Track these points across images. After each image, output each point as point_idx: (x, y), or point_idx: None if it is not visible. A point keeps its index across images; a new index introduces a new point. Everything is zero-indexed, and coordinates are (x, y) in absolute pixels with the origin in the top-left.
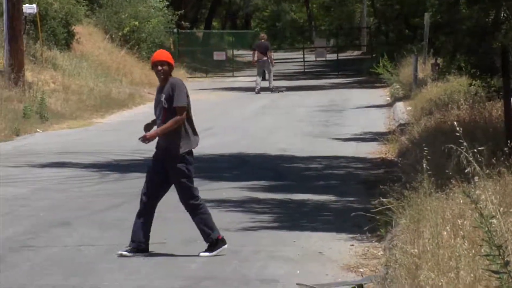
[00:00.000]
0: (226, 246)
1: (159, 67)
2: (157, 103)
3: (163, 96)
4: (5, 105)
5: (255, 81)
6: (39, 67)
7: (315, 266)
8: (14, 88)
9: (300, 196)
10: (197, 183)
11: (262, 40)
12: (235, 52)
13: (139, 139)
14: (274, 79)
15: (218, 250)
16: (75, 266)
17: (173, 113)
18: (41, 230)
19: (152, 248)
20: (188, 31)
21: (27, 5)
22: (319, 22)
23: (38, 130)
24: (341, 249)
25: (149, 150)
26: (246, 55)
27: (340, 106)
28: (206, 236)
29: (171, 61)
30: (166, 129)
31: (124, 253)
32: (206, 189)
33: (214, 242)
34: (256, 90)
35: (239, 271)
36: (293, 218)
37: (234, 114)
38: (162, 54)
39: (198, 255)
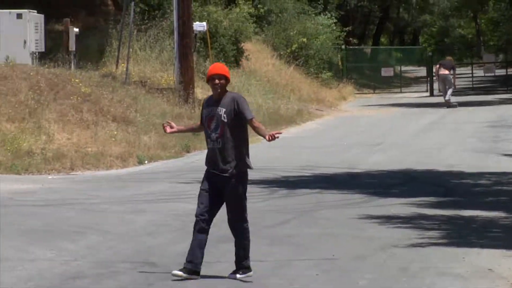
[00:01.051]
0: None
1: (217, 81)
2: (211, 116)
3: (222, 110)
4: (176, 122)
5: (444, 97)
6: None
7: (485, 283)
8: (184, 105)
9: (468, 213)
10: (366, 198)
11: (448, 59)
12: (403, 68)
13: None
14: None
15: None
16: (245, 282)
17: (232, 128)
18: (210, 245)
19: (322, 263)
20: (356, 47)
21: (197, 23)
22: (487, 37)
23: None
24: (511, 266)
25: (318, 166)
26: (413, 71)
27: (510, 122)
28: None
29: (228, 75)
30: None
31: (179, 273)
32: (374, 205)
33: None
34: (454, 103)
35: (408, 287)
36: (462, 235)
37: (402, 130)
38: (219, 68)
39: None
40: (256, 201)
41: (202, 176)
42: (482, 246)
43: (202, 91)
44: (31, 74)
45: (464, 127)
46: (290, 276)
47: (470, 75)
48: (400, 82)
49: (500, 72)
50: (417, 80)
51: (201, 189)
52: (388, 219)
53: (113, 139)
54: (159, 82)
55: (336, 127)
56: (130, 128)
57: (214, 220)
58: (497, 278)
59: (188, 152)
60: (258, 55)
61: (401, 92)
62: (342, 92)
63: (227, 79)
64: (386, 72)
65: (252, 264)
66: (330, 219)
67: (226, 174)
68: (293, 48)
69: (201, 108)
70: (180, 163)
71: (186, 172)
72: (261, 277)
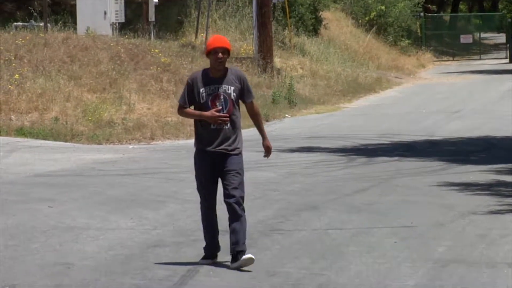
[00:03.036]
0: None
1: (220, 55)
2: (215, 94)
3: (231, 88)
4: (255, 91)
5: None
6: (287, 53)
7: None
8: (263, 74)
9: None
10: (444, 166)
11: None
12: (482, 35)
13: (267, 155)
14: None
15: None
16: (323, 249)
17: (236, 107)
18: (290, 214)
19: (401, 230)
20: (435, 14)
21: None
22: None
23: (286, 115)
24: None
25: (396, 134)
26: (493, 37)
27: None
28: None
29: (230, 48)
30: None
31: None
32: (453, 172)
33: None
34: None
35: (486, 254)
36: None
37: (481, 96)
38: (222, 40)
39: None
40: (335, 169)
41: (282, 144)
42: None
43: (281, 60)
44: (112, 44)
45: None
46: (368, 243)
47: None
48: (479, 49)
49: None
50: (496, 47)
51: (200, 172)
52: (467, 186)
53: None
54: (238, 51)
55: (415, 94)
56: None
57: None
58: None
59: (267, 120)
60: (337, 23)
61: (480, 59)
62: (421, 60)
63: (229, 53)
64: (465, 39)
65: (330, 231)
66: (409, 186)
67: (235, 152)
68: (371, 16)
69: (187, 86)
70: (252, 132)
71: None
72: (340, 245)
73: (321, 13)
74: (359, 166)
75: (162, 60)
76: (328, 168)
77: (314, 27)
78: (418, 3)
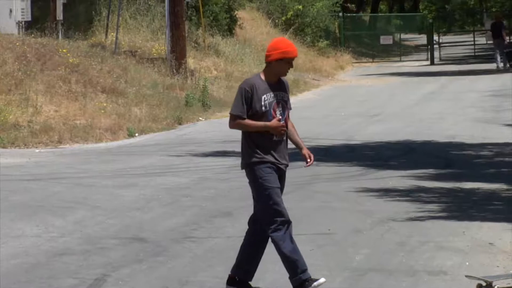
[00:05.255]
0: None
1: (292, 63)
2: (276, 102)
3: (286, 96)
4: (167, 93)
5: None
6: (201, 54)
7: (485, 258)
8: (176, 76)
9: (469, 185)
10: (363, 171)
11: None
12: (403, 36)
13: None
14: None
15: None
16: None
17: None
18: (203, 220)
19: (318, 238)
20: (354, 14)
21: None
22: (490, 4)
23: (200, 118)
24: None
25: (314, 138)
26: (413, 39)
27: None
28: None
29: None
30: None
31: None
32: (372, 178)
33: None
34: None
35: (406, 262)
36: (462, 208)
37: (401, 99)
38: (295, 48)
39: None
40: None
41: (195, 148)
42: (483, 219)
43: (194, 61)
44: (17, 44)
45: (466, 97)
46: None
47: (472, 43)
48: (400, 50)
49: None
50: (417, 49)
51: (274, 187)
52: (386, 192)
53: (102, 111)
54: (149, 51)
55: (333, 97)
56: (120, 100)
57: None
58: (498, 253)
59: (180, 124)
60: (252, 23)
61: (400, 60)
62: (340, 61)
63: None
64: (385, 40)
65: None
66: (327, 192)
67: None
68: (288, 16)
69: (245, 94)
70: (172, 136)
71: (177, 145)
72: None
73: (236, 12)
74: None
75: (71, 60)
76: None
77: (229, 27)
78: (337, 3)
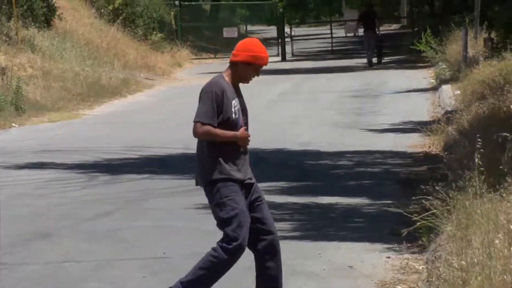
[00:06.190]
0: None
1: (259, 73)
2: (242, 109)
3: (244, 102)
4: None
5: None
6: (13, 48)
7: (345, 283)
8: None
9: (326, 200)
10: None
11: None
12: (250, 28)
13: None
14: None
15: None
16: (58, 286)
17: None
18: (18, 243)
19: (152, 262)
20: (193, 3)
21: None
22: None
23: (13, 124)
24: (375, 262)
25: (146, 147)
26: (262, 31)
27: (375, 90)
28: None
29: None
30: None
31: None
32: None
33: None
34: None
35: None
36: (318, 226)
37: (248, 101)
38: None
39: None
40: (73, 189)
41: (7, 160)
42: (342, 239)
43: (6, 58)
44: None
45: (323, 97)
46: (112, 278)
47: (330, 35)
48: None
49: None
50: (266, 42)
51: (242, 208)
52: None
53: None
54: None
55: (170, 99)
56: None
57: None
58: (358, 277)
59: None
60: (74, 13)
61: None
62: (177, 58)
63: None
64: (229, 33)
65: (67, 264)
66: (162, 209)
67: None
68: (116, 5)
69: (216, 99)
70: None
71: None
72: (78, 280)
73: (54, 1)
74: (102, 185)
75: None
76: (64, 188)
77: (46, 18)
78: None
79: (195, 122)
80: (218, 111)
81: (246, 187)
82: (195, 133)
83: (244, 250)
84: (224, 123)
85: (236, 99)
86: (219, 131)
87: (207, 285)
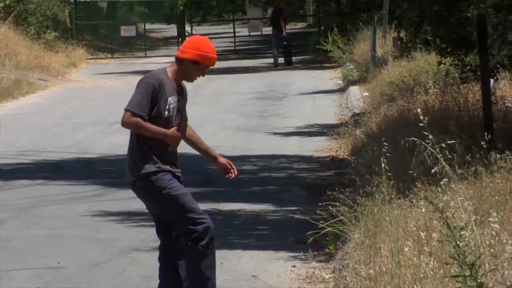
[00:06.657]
0: None
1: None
2: (178, 108)
3: (185, 104)
4: None
5: None
6: None
7: None
8: None
9: (229, 206)
10: (101, 191)
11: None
12: (148, 26)
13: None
14: None
15: None
16: None
17: None
18: None
19: (45, 273)
20: (88, 0)
21: None
22: None
23: None
24: (280, 271)
25: (40, 151)
26: (162, 29)
27: (280, 92)
28: None
29: None
30: None
31: None
32: (112, 199)
33: None
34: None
35: None
36: (220, 234)
37: None
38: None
39: None
40: None
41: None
42: (245, 247)
43: None
44: None
45: (225, 100)
46: None
47: (232, 34)
48: (145, 44)
49: (269, 30)
50: (166, 41)
51: (182, 192)
52: (130, 216)
53: None
54: None
55: (64, 101)
56: None
57: None
58: (263, 287)
59: None
60: None
61: (146, 56)
62: (72, 57)
63: None
64: (127, 31)
65: None
66: (56, 217)
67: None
68: (7, 2)
69: (152, 91)
70: None
71: None
72: None
73: None
74: None
75: None
76: None
77: None
78: None
79: (126, 110)
80: (152, 104)
81: (178, 179)
82: (123, 122)
83: (211, 224)
84: (156, 118)
85: (174, 97)
86: (148, 125)
87: (210, 276)
